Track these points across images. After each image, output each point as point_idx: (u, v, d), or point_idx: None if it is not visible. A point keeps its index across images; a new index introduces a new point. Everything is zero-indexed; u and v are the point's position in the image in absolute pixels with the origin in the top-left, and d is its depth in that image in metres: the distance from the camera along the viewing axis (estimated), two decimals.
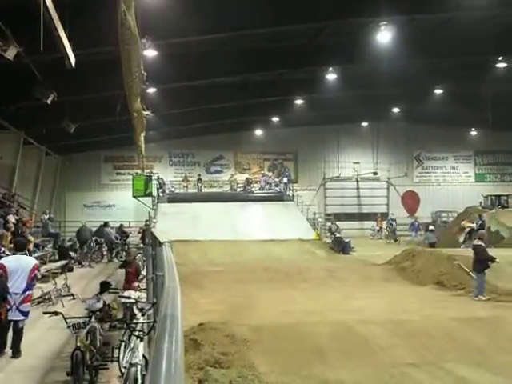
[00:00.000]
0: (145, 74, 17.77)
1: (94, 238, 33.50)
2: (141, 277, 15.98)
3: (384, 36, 26.66)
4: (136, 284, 15.08)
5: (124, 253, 31.58)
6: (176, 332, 2.12)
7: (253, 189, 45.26)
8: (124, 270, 16.70)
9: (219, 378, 9.79)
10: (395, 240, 44.36)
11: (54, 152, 42.01)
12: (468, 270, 20.61)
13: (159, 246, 10.16)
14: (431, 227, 37.11)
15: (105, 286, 13.04)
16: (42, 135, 34.92)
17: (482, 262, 19.33)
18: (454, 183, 55.03)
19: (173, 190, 44.28)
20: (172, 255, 7.32)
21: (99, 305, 11.41)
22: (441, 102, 41.54)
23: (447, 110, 44.13)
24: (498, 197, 44.28)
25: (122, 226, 37.09)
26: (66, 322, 10.07)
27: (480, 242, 20.20)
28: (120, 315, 12.87)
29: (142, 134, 26.58)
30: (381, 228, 48.95)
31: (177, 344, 1.93)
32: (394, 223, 47.39)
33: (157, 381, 1.62)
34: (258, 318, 15.39)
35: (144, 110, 22.38)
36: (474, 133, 53.89)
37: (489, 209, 39.99)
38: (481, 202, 43.53)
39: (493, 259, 19.41)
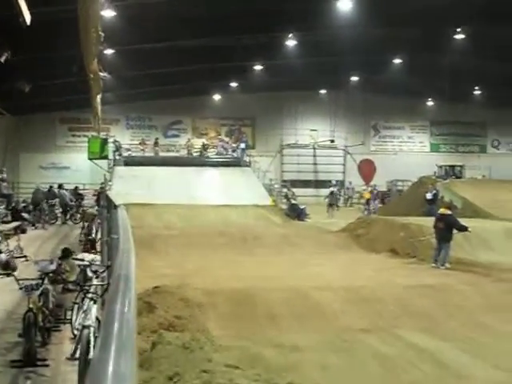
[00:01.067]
0: (102, 34, 17.47)
1: (45, 200, 33.06)
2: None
3: (344, 3, 26.67)
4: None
5: (78, 215, 31.30)
6: (129, 293, 2.09)
7: (209, 154, 45.07)
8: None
9: (172, 340, 9.78)
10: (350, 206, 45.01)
11: (7, 112, 41.22)
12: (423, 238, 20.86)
13: (114, 209, 10.06)
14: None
15: (66, 252, 12.96)
16: None
17: (451, 231, 19.37)
18: (409, 153, 55.51)
19: (129, 153, 43.89)
20: (127, 218, 7.25)
21: (52, 267, 11.31)
22: (399, 72, 41.65)
23: (405, 80, 44.31)
24: (452, 167, 44.79)
25: (76, 188, 36.71)
26: (18, 284, 9.95)
27: (449, 211, 20.30)
28: (74, 278, 12.78)
29: (99, 96, 26.21)
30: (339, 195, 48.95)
31: (130, 305, 1.91)
32: (351, 191, 48.05)
33: (108, 341, 1.59)
34: (212, 282, 15.42)
35: (101, 71, 22.04)
36: (430, 103, 54.31)
37: (443, 179, 40.42)
38: (435, 172, 43.97)
39: (466, 228, 19.54)
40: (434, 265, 19.20)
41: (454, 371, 9.57)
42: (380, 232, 24.36)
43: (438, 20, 30.23)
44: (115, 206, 9.89)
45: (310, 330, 11.45)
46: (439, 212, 20.68)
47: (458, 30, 32.80)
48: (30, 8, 16.97)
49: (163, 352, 9.27)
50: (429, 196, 32.46)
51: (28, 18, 16.97)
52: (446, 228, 19.42)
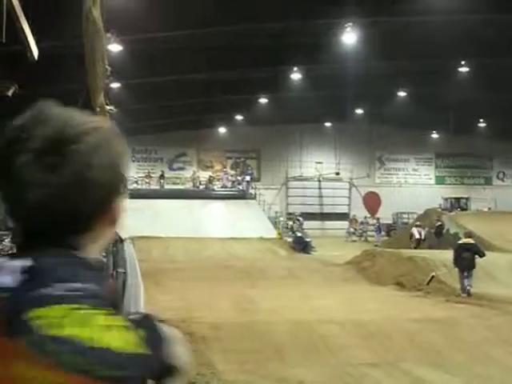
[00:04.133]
0: (109, 68, 17.60)
1: None
2: None
3: (349, 37, 26.88)
4: None
5: None
6: None
7: (215, 186, 45.18)
8: None
9: None
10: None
11: None
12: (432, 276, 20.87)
13: (120, 243, 10.05)
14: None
15: None
16: (2, 129, 34.37)
17: (475, 258, 19.83)
18: (415, 185, 55.56)
19: (135, 185, 44.01)
20: (134, 252, 7.25)
21: None
22: (403, 105, 41.86)
23: (409, 113, 44.49)
24: (458, 199, 44.79)
25: None
26: None
27: (473, 241, 20.71)
28: None
29: None
30: (355, 230, 48.84)
31: None
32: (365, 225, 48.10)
33: None
34: (217, 316, 15.35)
35: (107, 104, 22.15)
36: (435, 135, 54.46)
37: (448, 211, 40.37)
38: (440, 205, 43.95)
39: (484, 254, 20.30)
40: (464, 295, 19.40)
41: None
42: (386, 265, 24.31)
43: (442, 53, 30.42)
44: (121, 240, 9.87)
45: (315, 364, 11.36)
46: (464, 242, 20.68)
47: (463, 62, 33.00)
48: (37, 42, 17.12)
49: None
50: (417, 235, 33.01)
51: (36, 52, 17.09)
52: (473, 256, 19.81)
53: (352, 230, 48.78)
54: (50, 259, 1.25)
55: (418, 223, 35.64)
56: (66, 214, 1.28)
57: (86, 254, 1.33)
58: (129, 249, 7.66)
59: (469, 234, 21.71)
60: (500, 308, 16.96)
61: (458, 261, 20.00)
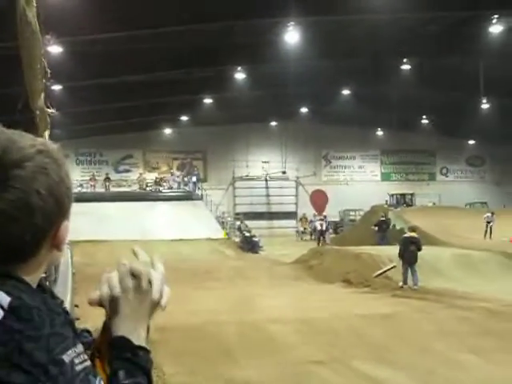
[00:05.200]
0: (49, 70, 17.30)
1: None
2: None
3: (291, 36, 26.96)
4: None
5: None
6: None
7: (161, 188, 44.92)
8: None
9: None
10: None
11: None
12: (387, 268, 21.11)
13: None
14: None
15: None
16: None
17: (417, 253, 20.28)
18: (361, 182, 56.06)
19: (80, 189, 43.46)
20: (69, 258, 7.11)
21: None
22: (348, 103, 42.20)
23: (354, 111, 44.81)
24: (403, 195, 45.36)
25: None
26: None
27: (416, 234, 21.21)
28: None
29: (46, 133, 25.85)
30: (305, 229, 48.83)
31: None
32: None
33: None
34: (164, 318, 15.13)
35: (48, 107, 21.82)
36: (380, 133, 55.04)
37: (394, 207, 40.85)
38: (386, 201, 44.44)
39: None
40: (405, 286, 19.96)
41: None
42: (333, 262, 24.48)
43: (384, 51, 30.75)
44: None
45: (263, 364, 11.34)
46: (410, 235, 21.00)
47: (405, 60, 33.39)
48: None
49: None
50: (319, 227, 38.03)
51: None
52: (417, 250, 20.28)
53: (302, 229, 48.75)
54: None
55: (320, 217, 42.74)
56: (7, 242, 1.23)
57: (30, 280, 1.28)
58: (65, 255, 7.51)
59: (413, 228, 22.22)
60: (445, 302, 17.23)
61: (404, 253, 20.36)
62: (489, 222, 32.99)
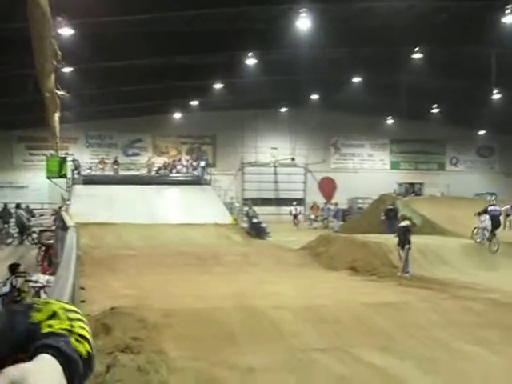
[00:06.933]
0: (60, 53, 17.29)
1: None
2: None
3: (304, 23, 26.83)
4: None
5: (35, 235, 30.93)
6: None
7: (170, 172, 44.94)
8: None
9: (128, 363, 9.69)
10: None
11: None
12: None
13: (65, 230, 9.91)
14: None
15: (13, 269, 12.72)
16: None
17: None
18: (370, 170, 55.92)
19: (89, 171, 43.56)
20: (74, 241, 7.11)
21: (5, 289, 11.13)
22: (358, 90, 42.03)
23: (364, 98, 44.67)
24: (412, 184, 45.28)
25: (28, 207, 36.21)
26: None
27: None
28: (30, 299, 12.55)
29: (56, 115, 25.89)
30: (316, 217, 48.27)
31: None
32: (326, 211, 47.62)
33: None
34: (170, 302, 15.30)
35: (58, 89, 21.81)
36: (389, 121, 54.80)
37: (403, 196, 40.80)
38: (395, 190, 44.37)
39: None
40: (407, 274, 20.40)
41: None
42: (340, 250, 24.49)
43: (395, 39, 30.60)
44: (66, 227, 9.72)
45: (266, 350, 11.37)
46: (406, 225, 21.48)
47: (416, 49, 33.21)
48: None
49: (118, 375, 9.17)
50: (294, 212, 42.72)
51: None
52: (408, 238, 20.96)
53: (313, 216, 48.28)
54: None
55: (294, 203, 46.91)
56: None
57: None
58: (70, 237, 7.51)
59: (404, 217, 22.76)
60: (450, 292, 17.24)
61: (404, 242, 20.78)
62: (508, 215, 32.60)
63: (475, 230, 25.38)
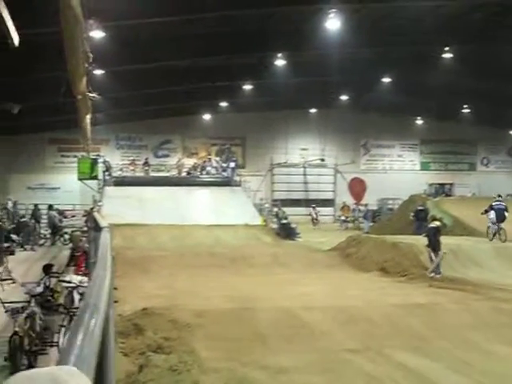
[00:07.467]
0: (91, 55, 17.50)
1: (29, 220, 33.30)
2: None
3: (333, 24, 26.75)
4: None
5: (67, 236, 31.24)
6: (94, 324, 2.05)
7: (200, 173, 45.11)
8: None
9: (160, 363, 9.77)
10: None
11: None
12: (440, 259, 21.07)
13: (98, 231, 10.02)
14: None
15: (46, 269, 12.87)
16: None
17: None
18: (400, 171, 55.61)
19: (120, 173, 43.88)
20: (109, 241, 7.18)
21: (39, 289, 11.26)
22: (388, 91, 41.84)
23: (394, 99, 44.55)
24: (442, 185, 44.97)
25: (58, 209, 36.55)
26: (4, 307, 9.91)
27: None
28: (62, 299, 12.72)
29: (88, 117, 26.24)
30: (347, 217, 47.75)
31: (92, 337, 1.88)
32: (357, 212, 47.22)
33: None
34: (201, 303, 15.38)
35: (90, 92, 22.08)
36: (419, 122, 54.48)
37: (433, 197, 40.56)
38: (425, 190, 44.12)
39: None
40: (438, 276, 20.24)
41: None
42: (370, 251, 24.40)
43: (426, 39, 30.41)
44: (100, 228, 9.83)
45: (297, 351, 11.40)
46: (436, 225, 21.49)
47: (446, 49, 32.96)
48: (17, 29, 16.96)
49: (150, 375, 9.24)
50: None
51: (16, 39, 16.95)
52: (438, 239, 21.06)
53: (344, 217, 47.89)
54: None
55: (313, 205, 47.31)
56: None
57: None
58: (104, 238, 7.60)
59: (433, 218, 22.91)
60: (483, 293, 17.09)
61: (435, 243, 20.83)
62: None
63: (488, 230, 26.90)
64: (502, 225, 26.13)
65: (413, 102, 47.13)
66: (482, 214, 27.22)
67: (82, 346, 1.71)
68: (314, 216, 46.69)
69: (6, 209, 36.37)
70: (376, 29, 29.77)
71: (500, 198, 28.09)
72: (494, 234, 26.31)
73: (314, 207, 47.31)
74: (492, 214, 26.63)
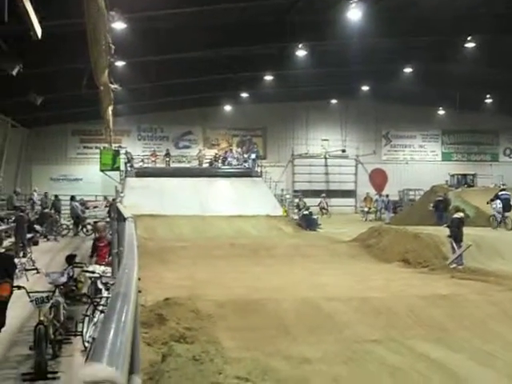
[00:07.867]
0: (113, 47, 17.55)
1: (52, 211, 33.52)
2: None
3: (354, 14, 26.67)
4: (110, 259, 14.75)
5: (90, 226, 31.39)
6: (126, 312, 2.07)
7: (221, 164, 45.16)
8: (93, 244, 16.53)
9: (183, 352, 9.80)
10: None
11: (20, 124, 41.61)
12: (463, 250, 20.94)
13: (123, 221, 10.07)
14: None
15: (70, 260, 12.95)
16: (8, 107, 34.50)
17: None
18: (421, 162, 55.34)
19: (141, 164, 44.05)
20: (134, 231, 7.24)
21: (63, 279, 11.34)
22: (409, 81, 41.62)
23: (416, 89, 44.31)
24: (464, 176, 44.62)
25: (82, 199, 36.76)
26: (29, 297, 10.00)
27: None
28: (86, 289, 12.80)
29: (110, 108, 26.31)
30: (370, 208, 47.19)
31: (125, 325, 1.90)
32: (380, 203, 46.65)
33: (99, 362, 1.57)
34: (223, 293, 15.42)
35: (112, 83, 22.14)
36: (441, 112, 54.12)
37: (455, 187, 40.31)
38: (447, 181, 43.84)
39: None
40: (461, 267, 20.13)
41: (464, 381, 9.53)
42: (391, 242, 24.32)
43: (448, 29, 30.21)
44: (124, 219, 9.88)
45: (320, 341, 11.42)
46: (460, 216, 21.45)
47: (469, 38, 32.71)
48: (40, 22, 17.07)
49: (173, 364, 9.28)
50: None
51: (39, 31, 17.07)
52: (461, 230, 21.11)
53: (366, 209, 47.55)
54: None
55: (323, 195, 47.83)
56: None
57: None
58: (129, 228, 7.64)
59: (457, 208, 23.12)
60: (505, 284, 16.97)
61: (458, 234, 20.77)
62: None
63: (491, 218, 28.23)
64: (507, 214, 27.45)
65: (434, 92, 46.86)
66: (488, 203, 28.25)
67: (116, 334, 1.73)
68: (324, 206, 46.89)
69: (31, 199, 36.77)
70: (397, 18, 29.60)
71: (505, 187, 30.15)
72: (500, 223, 27.50)
73: (323, 197, 47.57)
74: (498, 204, 27.67)
